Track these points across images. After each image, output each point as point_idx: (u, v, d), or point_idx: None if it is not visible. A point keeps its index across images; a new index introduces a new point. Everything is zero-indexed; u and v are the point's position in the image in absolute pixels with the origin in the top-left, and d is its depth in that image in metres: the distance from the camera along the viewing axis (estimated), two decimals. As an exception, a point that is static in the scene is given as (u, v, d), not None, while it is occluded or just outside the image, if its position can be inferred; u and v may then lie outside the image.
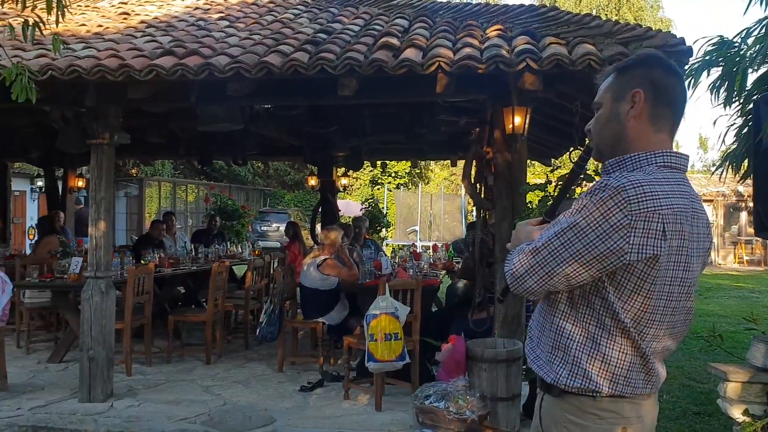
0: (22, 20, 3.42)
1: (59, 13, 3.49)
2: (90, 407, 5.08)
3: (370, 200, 12.98)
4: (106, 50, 5.20)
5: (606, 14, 28.20)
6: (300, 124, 7.89)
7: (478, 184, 5.39)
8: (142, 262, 7.45)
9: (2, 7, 4.91)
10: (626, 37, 4.52)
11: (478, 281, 5.28)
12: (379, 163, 14.07)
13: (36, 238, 11.76)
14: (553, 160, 10.76)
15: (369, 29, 5.58)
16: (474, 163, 5.41)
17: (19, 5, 3.45)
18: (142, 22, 6.53)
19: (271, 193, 30.55)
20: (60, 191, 10.86)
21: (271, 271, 8.47)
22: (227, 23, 6.30)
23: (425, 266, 6.84)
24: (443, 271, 7.54)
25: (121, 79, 4.85)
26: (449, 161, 12.20)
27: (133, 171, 22.36)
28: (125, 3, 7.89)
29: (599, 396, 1.71)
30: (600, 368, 1.71)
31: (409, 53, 4.70)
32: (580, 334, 1.73)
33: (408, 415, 4.83)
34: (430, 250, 8.73)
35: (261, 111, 7.46)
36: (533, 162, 14.55)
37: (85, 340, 5.29)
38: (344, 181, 11.56)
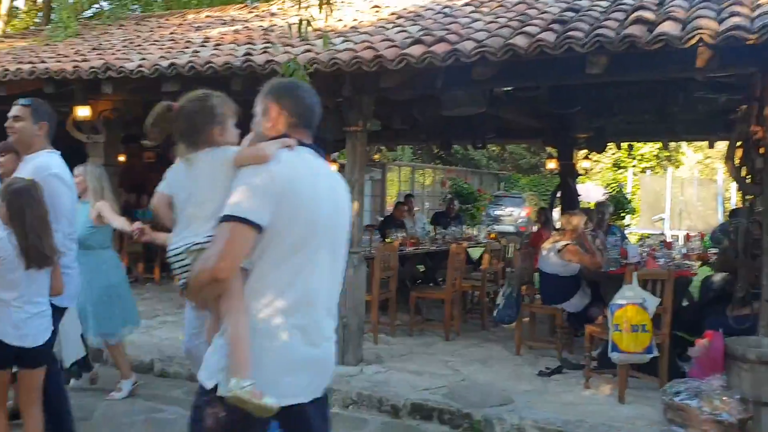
0: (298, 19, 3.83)
1: (328, 9, 3.85)
2: (343, 370, 5.56)
3: (613, 185, 12.36)
4: (362, 43, 5.58)
5: None
6: (541, 105, 7.76)
7: (743, 168, 4.88)
8: (387, 240, 7.94)
9: (283, 5, 5.47)
10: None
11: (740, 274, 4.80)
12: (625, 145, 13.20)
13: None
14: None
15: (619, 4, 5.30)
16: (739, 143, 4.90)
17: (295, 5, 3.86)
18: (393, 13, 6.92)
19: (505, 177, 30.45)
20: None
21: (508, 255, 8.51)
22: (472, 8, 6.41)
23: (677, 256, 6.35)
24: (698, 263, 6.94)
25: (374, 69, 5.18)
26: (706, 143, 11.15)
27: (376, 156, 23.76)
28: (375, -4, 8.41)
29: None
30: None
31: (666, 26, 4.38)
32: None
33: (654, 410, 4.58)
34: (681, 240, 8.07)
35: (500, 93, 7.47)
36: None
37: (341, 309, 5.79)
38: (585, 164, 11.09)
